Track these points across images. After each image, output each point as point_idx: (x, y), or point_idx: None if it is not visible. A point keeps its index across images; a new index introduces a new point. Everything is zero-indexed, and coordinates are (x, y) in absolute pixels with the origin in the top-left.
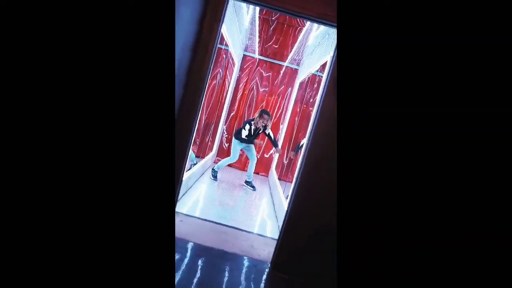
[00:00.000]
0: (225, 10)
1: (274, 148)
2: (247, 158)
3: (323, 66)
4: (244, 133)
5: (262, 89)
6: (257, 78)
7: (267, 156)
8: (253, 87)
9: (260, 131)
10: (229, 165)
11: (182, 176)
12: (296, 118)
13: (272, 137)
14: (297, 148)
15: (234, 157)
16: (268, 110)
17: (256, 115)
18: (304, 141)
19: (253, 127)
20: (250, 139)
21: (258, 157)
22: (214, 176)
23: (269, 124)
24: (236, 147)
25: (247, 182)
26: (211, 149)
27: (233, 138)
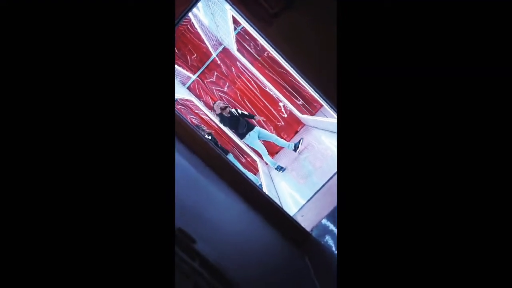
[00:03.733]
0: None
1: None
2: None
3: (235, 21)
4: (238, 131)
5: (226, 88)
6: (215, 90)
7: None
8: (219, 95)
9: (234, 117)
10: (274, 153)
11: None
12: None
13: (242, 112)
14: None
15: (261, 148)
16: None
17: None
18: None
19: (227, 121)
20: (242, 130)
21: (263, 141)
22: (281, 168)
23: (224, 105)
24: (252, 142)
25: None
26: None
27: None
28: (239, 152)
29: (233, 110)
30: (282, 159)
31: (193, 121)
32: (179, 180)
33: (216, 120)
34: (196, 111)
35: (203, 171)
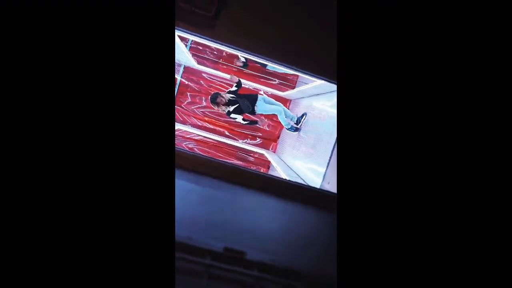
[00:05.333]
0: None
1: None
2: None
3: (182, 38)
4: (248, 110)
5: (204, 102)
6: (195, 109)
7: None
8: (202, 112)
9: (235, 102)
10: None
11: None
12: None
13: (231, 91)
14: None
15: (275, 109)
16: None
17: (216, 106)
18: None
19: (238, 109)
20: (248, 109)
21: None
22: (295, 129)
23: (224, 97)
24: (264, 110)
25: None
26: None
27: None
28: (244, 154)
29: (228, 96)
30: (285, 138)
31: (189, 146)
32: (194, 202)
33: (230, 115)
34: (188, 136)
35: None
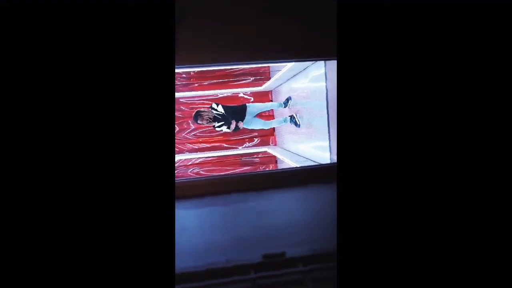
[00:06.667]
0: None
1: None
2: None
3: None
4: (237, 126)
5: (192, 124)
6: (185, 136)
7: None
8: (194, 135)
9: (222, 117)
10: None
11: None
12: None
13: (214, 108)
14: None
15: (263, 123)
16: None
17: (203, 121)
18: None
19: (223, 122)
20: (233, 126)
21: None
22: (293, 120)
23: (207, 114)
24: (254, 124)
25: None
26: None
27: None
28: (248, 158)
29: (213, 113)
30: (281, 127)
31: (194, 172)
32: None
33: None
34: (190, 163)
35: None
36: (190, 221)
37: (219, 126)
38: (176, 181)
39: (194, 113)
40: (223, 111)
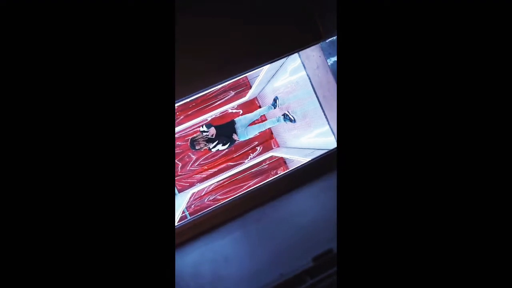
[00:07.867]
0: None
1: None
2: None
3: None
4: (230, 143)
5: (193, 161)
6: (190, 167)
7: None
8: (200, 164)
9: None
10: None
11: None
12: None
13: (205, 131)
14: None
15: (257, 128)
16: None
17: (201, 145)
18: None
19: (212, 145)
20: (228, 141)
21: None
22: (288, 118)
23: (202, 137)
24: (248, 134)
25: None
26: None
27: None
28: (257, 167)
29: (205, 135)
30: (278, 128)
31: (210, 200)
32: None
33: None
34: (204, 193)
35: (256, 219)
36: (228, 248)
37: (214, 146)
38: (200, 215)
39: (189, 143)
40: (213, 131)
